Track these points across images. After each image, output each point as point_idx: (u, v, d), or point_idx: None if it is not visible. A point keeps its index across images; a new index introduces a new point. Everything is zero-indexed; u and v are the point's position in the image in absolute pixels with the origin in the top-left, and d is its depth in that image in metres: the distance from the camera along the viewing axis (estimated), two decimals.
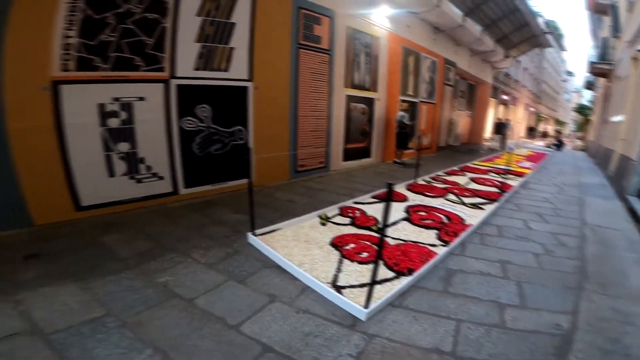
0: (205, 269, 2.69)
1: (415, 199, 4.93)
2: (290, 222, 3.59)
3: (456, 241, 3.32)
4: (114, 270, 2.57)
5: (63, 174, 3.36)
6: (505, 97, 20.41)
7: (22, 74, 3.04)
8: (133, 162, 3.78)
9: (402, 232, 3.50)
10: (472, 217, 4.13)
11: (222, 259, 2.85)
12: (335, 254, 2.90)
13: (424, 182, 6.08)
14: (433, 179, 6.42)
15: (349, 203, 4.44)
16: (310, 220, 3.74)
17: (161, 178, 4.05)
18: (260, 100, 4.90)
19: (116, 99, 3.58)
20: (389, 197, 2.05)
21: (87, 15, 3.29)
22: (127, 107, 3.65)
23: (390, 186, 2.08)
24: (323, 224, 3.65)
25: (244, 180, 4.74)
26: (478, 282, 2.69)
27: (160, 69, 3.89)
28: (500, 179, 6.70)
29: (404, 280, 2.51)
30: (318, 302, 2.29)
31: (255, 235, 3.17)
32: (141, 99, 3.75)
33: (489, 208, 4.58)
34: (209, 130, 4.38)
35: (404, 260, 2.80)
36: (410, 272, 2.61)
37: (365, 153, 7.60)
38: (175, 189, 4.23)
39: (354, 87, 6.83)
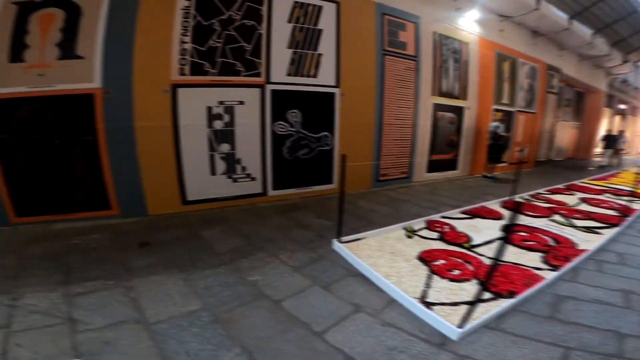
0: (291, 271, 2.79)
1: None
2: (375, 232, 3.55)
3: (567, 266, 2.97)
4: (212, 265, 2.82)
5: (175, 171, 3.84)
6: (622, 106, 17.64)
7: (148, 76, 3.57)
8: (231, 162, 4.16)
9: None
10: (587, 242, 3.62)
11: (307, 263, 2.93)
12: (423, 269, 2.82)
13: (522, 200, 5.51)
14: (533, 197, 5.78)
15: (436, 217, 4.24)
16: (395, 231, 3.66)
17: (253, 179, 4.37)
18: (346, 107, 5.01)
19: (221, 103, 4.00)
20: (514, 209, 1.89)
21: (197, 22, 3.76)
22: (229, 110, 4.05)
23: (513, 197, 1.93)
24: (409, 237, 3.54)
25: (327, 186, 4.86)
26: (594, 311, 2.37)
27: (258, 74, 4.24)
28: (620, 201, 5.74)
29: (504, 303, 2.35)
30: (404, 316, 2.22)
31: (341, 242, 3.19)
32: (241, 102, 4.13)
33: (608, 233, 3.96)
34: (298, 135, 4.61)
35: (503, 281, 2.61)
36: (511, 294, 2.44)
37: (451, 165, 7.20)
38: (265, 190, 4.52)
39: (442, 94, 6.58)
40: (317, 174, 4.87)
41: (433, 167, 6.75)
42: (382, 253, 3.09)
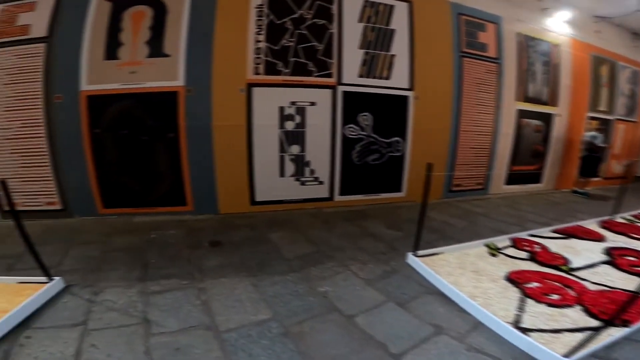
0: (363, 284, 2.60)
1: (616, 239, 3.83)
2: (454, 248, 3.22)
3: None
4: (281, 271, 2.71)
5: (247, 170, 3.84)
6: None
7: (226, 75, 3.63)
8: (301, 164, 4.07)
9: (604, 277, 2.88)
10: None
11: (380, 277, 2.72)
12: (513, 291, 2.52)
13: (624, 221, 4.66)
14: (637, 217, 4.87)
15: (523, 235, 3.73)
16: (476, 248, 3.29)
17: (321, 183, 4.24)
18: (420, 111, 4.69)
19: (293, 103, 3.95)
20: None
21: (270, 20, 3.76)
22: (301, 111, 3.99)
23: (614, 216, 1.52)
24: (493, 255, 3.15)
25: (396, 194, 4.56)
26: None
27: (329, 75, 4.13)
28: None
29: (616, 332, 2.06)
30: (494, 342, 1.98)
31: (416, 256, 2.92)
32: (312, 104, 4.04)
33: None
34: (369, 139, 4.40)
35: (614, 309, 2.21)
36: (625, 323, 2.12)
37: (534, 178, 6.42)
38: (331, 195, 4.35)
39: (528, 100, 5.92)
40: (386, 180, 4.59)
41: (513, 179, 6.06)
42: (464, 271, 2.81)
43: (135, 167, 3.65)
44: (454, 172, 5.22)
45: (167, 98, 3.54)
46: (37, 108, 3.59)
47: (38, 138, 3.65)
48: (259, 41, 3.76)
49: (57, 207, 3.83)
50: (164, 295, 2.32)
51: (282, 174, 4.03)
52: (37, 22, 3.53)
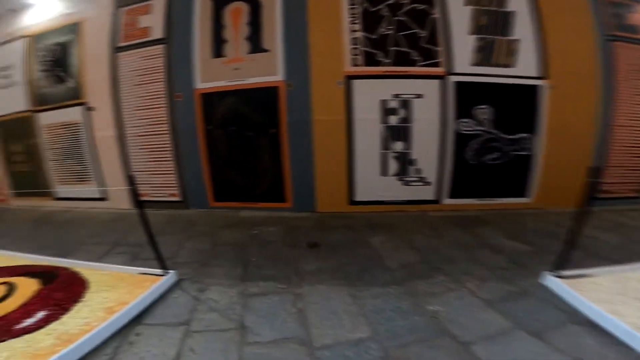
0: (482, 305, 2.09)
1: None
2: (610, 270, 2.43)
3: None
4: (382, 282, 2.38)
5: (346, 168, 3.57)
6: None
7: (323, 67, 3.41)
8: (405, 163, 3.63)
9: None
10: None
11: (503, 298, 2.17)
12: None
13: None
14: None
15: None
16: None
17: (427, 183, 3.72)
18: (556, 103, 3.76)
19: (396, 96, 3.53)
20: None
21: (365, 8, 3.38)
22: (405, 104, 3.54)
23: None
24: None
25: (519, 199, 3.75)
26: None
27: (436, 64, 3.57)
28: None
29: None
30: None
31: (559, 277, 2.26)
32: (418, 96, 3.55)
33: None
34: (488, 136, 3.69)
35: None
36: None
37: None
38: (439, 197, 3.79)
39: None
40: (507, 183, 3.81)
41: None
42: (624, 298, 2.13)
43: (242, 163, 3.72)
44: (602, 174, 4.09)
45: (269, 93, 3.50)
46: (162, 107, 3.94)
47: (163, 134, 4.01)
48: (355, 31, 3.46)
49: (177, 198, 4.17)
50: (262, 299, 2.23)
51: (384, 173, 3.65)
52: (155, 24, 3.84)
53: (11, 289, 2.46)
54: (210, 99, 3.69)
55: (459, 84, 3.61)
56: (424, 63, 3.57)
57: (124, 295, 2.26)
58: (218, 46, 3.61)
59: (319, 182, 3.61)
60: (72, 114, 4.59)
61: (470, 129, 3.66)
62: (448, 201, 3.80)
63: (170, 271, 2.48)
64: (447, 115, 3.60)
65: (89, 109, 4.46)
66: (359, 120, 3.51)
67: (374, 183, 3.64)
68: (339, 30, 3.47)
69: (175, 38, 3.80)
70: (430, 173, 3.69)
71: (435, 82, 3.59)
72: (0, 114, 5.30)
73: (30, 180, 5.33)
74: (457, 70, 3.62)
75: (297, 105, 3.50)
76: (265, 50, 3.51)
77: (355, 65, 3.51)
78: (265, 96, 3.52)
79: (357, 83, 3.51)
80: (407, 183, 3.69)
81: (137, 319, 2.07)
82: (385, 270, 2.55)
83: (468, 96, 3.64)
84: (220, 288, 2.37)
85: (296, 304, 2.13)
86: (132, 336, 1.92)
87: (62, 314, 2.08)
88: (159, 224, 3.66)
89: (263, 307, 2.11)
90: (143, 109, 4.09)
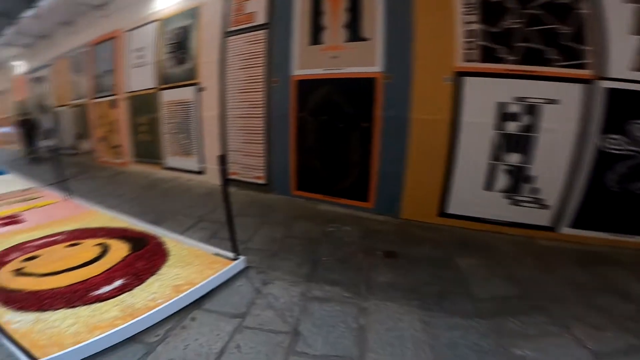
0: (589, 358, 1.58)
1: None
2: None
3: None
4: (464, 312, 1.92)
5: (442, 175, 3.06)
6: None
7: (429, 61, 2.95)
8: (518, 178, 2.95)
9: None
10: None
11: (622, 352, 1.63)
12: None
13: None
14: None
15: None
16: None
17: (544, 206, 2.97)
18: None
19: (520, 99, 2.86)
20: None
21: None
22: (531, 110, 2.85)
23: None
24: None
25: None
26: None
27: (581, 66, 2.77)
28: None
29: None
30: None
31: None
32: (552, 101, 2.81)
33: None
34: None
35: None
36: None
37: None
38: (556, 224, 3.00)
39: None
40: None
41: None
42: None
43: (328, 154, 3.50)
44: None
45: (365, 85, 3.19)
46: (260, 91, 3.95)
47: (258, 118, 4.03)
48: (471, 22, 2.87)
49: (262, 181, 4.17)
50: (323, 305, 2.00)
51: (488, 187, 3.02)
52: (259, 9, 3.82)
53: (104, 251, 2.66)
54: (305, 86, 3.55)
55: (612, 91, 2.76)
56: (564, 64, 2.82)
57: (193, 274, 2.24)
58: (316, 33, 3.43)
59: (408, 185, 3.18)
60: (187, 93, 4.97)
61: (619, 147, 2.77)
62: (568, 231, 2.99)
63: (241, 257, 2.41)
64: (590, 128, 2.79)
65: (201, 89, 4.76)
66: (467, 123, 2.95)
67: (474, 196, 3.05)
68: (451, 20, 2.96)
69: (276, 23, 3.75)
70: (550, 194, 2.93)
71: (578, 86, 2.81)
72: (134, 90, 6.09)
73: (147, 149, 6.02)
74: (612, 75, 2.77)
75: (394, 99, 3.12)
76: (364, 39, 3.19)
77: (469, 60, 2.95)
78: (361, 87, 3.22)
79: (469, 81, 2.95)
80: (516, 202, 3.00)
81: (198, 302, 2.02)
82: (471, 299, 2.08)
83: (623, 107, 2.76)
84: (284, 284, 2.21)
85: (358, 319, 1.86)
86: (187, 320, 1.87)
87: (136, 285, 2.13)
88: (241, 204, 3.68)
89: (322, 315, 1.90)
90: (244, 92, 4.17)
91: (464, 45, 2.94)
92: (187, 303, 1.97)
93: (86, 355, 1.57)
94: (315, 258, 2.55)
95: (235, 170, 4.36)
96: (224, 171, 2.24)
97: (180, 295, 1.96)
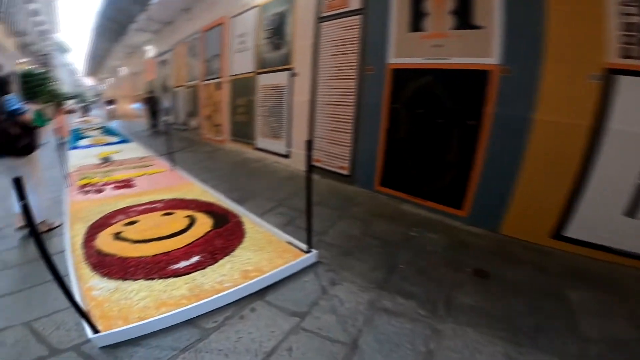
0: None
1: None
2: None
3: None
4: (564, 353, 1.55)
5: (568, 189, 2.42)
6: None
7: (566, 54, 2.30)
8: None
9: None
10: None
11: None
12: None
13: None
14: None
15: None
16: None
17: None
18: None
19: None
20: None
21: None
22: None
23: None
24: None
25: None
26: None
27: None
28: None
29: None
30: None
31: None
32: None
33: None
34: None
35: None
36: None
37: None
38: None
39: None
40: None
41: None
42: None
43: (421, 151, 3.09)
44: None
45: (475, 78, 2.67)
46: (352, 78, 3.68)
47: (348, 106, 3.79)
48: (629, 14, 2.10)
49: (345, 172, 3.97)
50: (391, 319, 1.74)
51: (630, 213, 2.29)
52: None
53: (191, 224, 2.77)
54: (402, 75, 3.16)
55: None
56: None
57: (264, 261, 2.18)
58: (417, 19, 2.99)
59: (517, 197, 2.61)
60: (281, 78, 4.98)
61: None
62: None
63: (313, 251, 2.27)
64: None
65: (294, 74, 4.71)
66: (615, 131, 2.24)
67: (608, 222, 2.35)
68: (599, 9, 2.23)
69: (372, 8, 3.40)
70: None
71: None
72: (235, 73, 6.39)
73: (242, 129, 6.32)
74: None
75: (512, 96, 2.54)
76: (476, 27, 2.64)
77: (626, 57, 2.20)
78: (470, 80, 2.70)
79: (625, 81, 2.21)
80: None
81: (262, 292, 1.93)
82: (577, 338, 1.65)
83: None
84: (352, 288, 2.00)
85: (429, 342, 1.58)
86: (247, 310, 1.79)
87: (210, 264, 2.14)
88: (321, 193, 3.54)
89: (388, 330, 1.66)
90: (335, 79, 3.96)
91: (620, 38, 2.21)
92: (252, 292, 1.90)
93: (143, 333, 1.58)
94: (392, 264, 2.26)
95: (319, 158, 4.23)
96: (309, 157, 2.08)
97: (246, 283, 1.90)
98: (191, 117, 9.21)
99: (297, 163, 4.82)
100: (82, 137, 9.02)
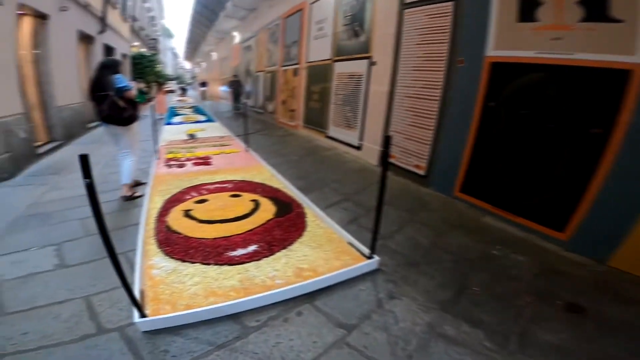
0: None
1: None
2: None
3: None
4: None
5: None
6: None
7: None
8: None
9: None
10: None
11: None
12: None
13: None
14: None
15: None
16: None
17: None
18: None
19: None
20: None
21: None
22: None
23: None
24: None
25: None
26: None
27: None
28: None
29: None
30: None
31: None
32: None
33: None
34: None
35: None
36: None
37: None
38: None
39: None
40: None
41: None
42: None
43: (520, 158, 2.58)
44: None
45: (607, 78, 2.06)
46: (440, 70, 3.24)
47: (432, 100, 3.37)
48: None
49: (421, 172, 3.60)
50: (450, 349, 1.45)
51: None
52: None
53: (255, 209, 2.71)
54: (503, 70, 2.63)
55: None
56: None
57: (320, 260, 2.01)
58: (529, 8, 2.41)
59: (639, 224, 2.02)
60: (358, 66, 4.69)
61: None
62: None
63: (375, 257, 2.02)
64: None
65: (372, 63, 4.39)
66: None
67: None
68: None
69: None
70: None
71: None
72: (313, 60, 6.25)
73: (315, 116, 6.21)
74: None
75: None
76: (614, 20, 2.01)
77: None
78: (598, 81, 2.11)
79: None
80: None
81: (312, 294, 1.77)
82: None
83: None
84: (412, 305, 1.73)
85: None
86: (293, 313, 1.64)
87: (266, 256, 2.03)
88: (392, 192, 3.25)
89: None
90: (419, 70, 3.54)
91: None
92: (302, 293, 1.75)
93: (186, 322, 1.53)
94: (463, 284, 1.92)
95: (394, 153, 3.91)
96: (386, 154, 1.81)
97: (298, 283, 1.76)
98: (268, 101, 9.44)
99: (368, 156, 4.55)
100: (176, 115, 9.91)
